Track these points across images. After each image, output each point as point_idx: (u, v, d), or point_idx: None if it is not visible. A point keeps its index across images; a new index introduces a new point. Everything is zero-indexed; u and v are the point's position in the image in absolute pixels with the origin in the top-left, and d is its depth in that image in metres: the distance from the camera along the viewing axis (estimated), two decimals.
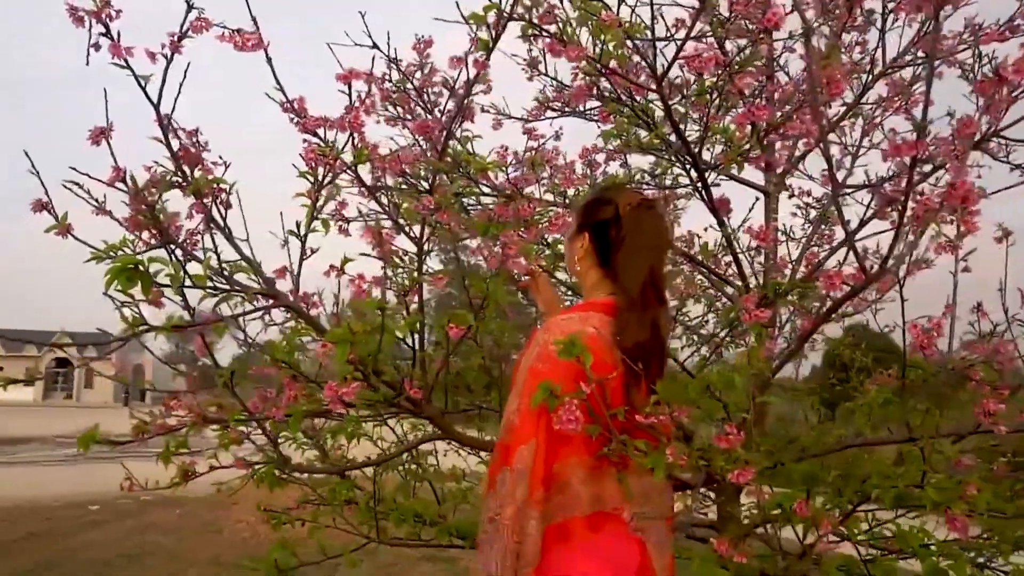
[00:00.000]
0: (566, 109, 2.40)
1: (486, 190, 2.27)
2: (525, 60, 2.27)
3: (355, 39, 1.90)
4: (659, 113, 1.93)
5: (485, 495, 1.32)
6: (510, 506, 1.21)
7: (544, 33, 1.49)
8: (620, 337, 1.26)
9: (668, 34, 1.62)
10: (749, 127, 1.51)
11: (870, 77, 2.04)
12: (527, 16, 1.46)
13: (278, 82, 1.58)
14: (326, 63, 1.66)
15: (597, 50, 1.56)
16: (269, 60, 1.59)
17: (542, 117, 2.51)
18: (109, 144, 1.50)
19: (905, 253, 1.92)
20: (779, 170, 2.36)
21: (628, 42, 1.55)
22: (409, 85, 1.83)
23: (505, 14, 1.42)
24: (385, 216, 1.67)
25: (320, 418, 1.60)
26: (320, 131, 1.61)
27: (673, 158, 1.85)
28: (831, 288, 1.29)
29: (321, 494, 2.14)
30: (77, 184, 1.47)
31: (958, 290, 1.54)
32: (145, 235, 1.46)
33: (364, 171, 1.67)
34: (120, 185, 1.47)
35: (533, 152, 2.45)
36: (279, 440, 1.87)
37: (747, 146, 1.48)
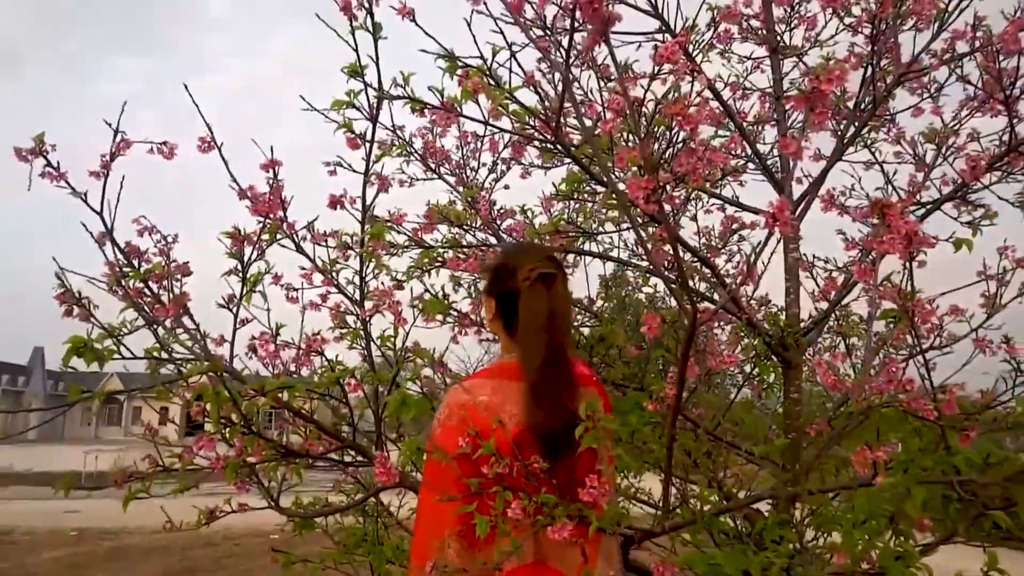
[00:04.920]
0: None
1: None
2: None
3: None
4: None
5: None
6: None
7: (428, 106, 1.58)
8: (528, 419, 1.27)
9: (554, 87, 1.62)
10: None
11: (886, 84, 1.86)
12: (406, 91, 1.56)
13: (232, 175, 1.82)
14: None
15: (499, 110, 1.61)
16: (224, 161, 1.84)
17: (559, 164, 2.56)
18: (109, 246, 1.83)
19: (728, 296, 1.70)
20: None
21: (512, 101, 1.59)
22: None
23: (375, 95, 1.53)
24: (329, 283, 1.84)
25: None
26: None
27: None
28: (651, 333, 1.22)
29: (334, 538, 2.33)
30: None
31: None
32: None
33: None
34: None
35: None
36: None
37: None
